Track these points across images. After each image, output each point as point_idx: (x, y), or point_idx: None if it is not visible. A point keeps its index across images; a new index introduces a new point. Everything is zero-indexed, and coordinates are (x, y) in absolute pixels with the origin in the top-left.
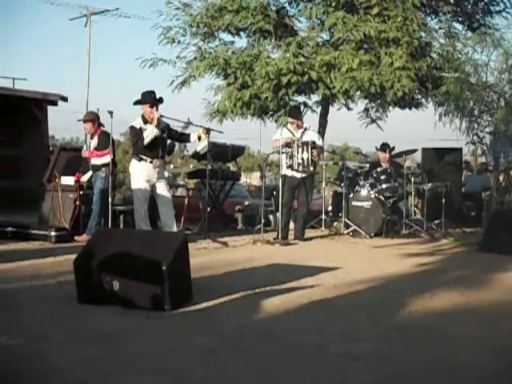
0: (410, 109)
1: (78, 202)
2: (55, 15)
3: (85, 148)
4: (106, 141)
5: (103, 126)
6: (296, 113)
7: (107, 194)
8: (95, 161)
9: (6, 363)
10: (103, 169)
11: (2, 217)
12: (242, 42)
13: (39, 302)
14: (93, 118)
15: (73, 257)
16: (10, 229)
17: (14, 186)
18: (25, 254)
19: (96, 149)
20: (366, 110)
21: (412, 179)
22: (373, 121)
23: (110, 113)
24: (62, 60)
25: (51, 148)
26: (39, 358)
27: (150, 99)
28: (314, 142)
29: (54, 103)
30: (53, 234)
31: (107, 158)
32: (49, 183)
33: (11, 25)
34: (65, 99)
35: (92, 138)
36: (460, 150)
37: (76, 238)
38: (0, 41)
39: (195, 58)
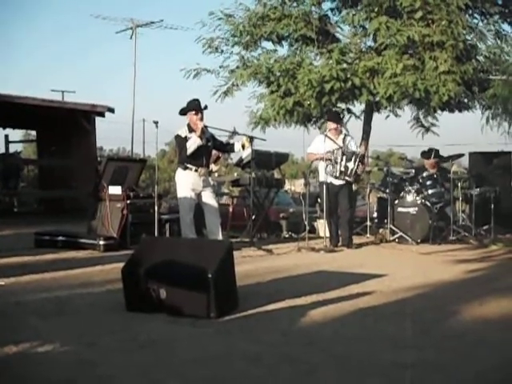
0: (460, 111)
1: (125, 212)
2: (102, 29)
3: None
4: None
5: None
6: (337, 117)
7: None
8: None
9: (58, 370)
10: None
11: (52, 226)
12: (283, 50)
13: (89, 310)
14: None
15: (121, 265)
16: (60, 238)
17: (64, 196)
18: (74, 262)
19: None
20: (416, 118)
21: (459, 184)
22: (427, 129)
23: (156, 123)
24: (108, 72)
25: (99, 158)
26: (90, 364)
27: (195, 106)
28: (363, 156)
29: (102, 114)
30: (101, 242)
31: None
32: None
33: (61, 40)
34: (112, 110)
35: None
36: (509, 153)
37: None
38: (51, 56)
39: (238, 67)
